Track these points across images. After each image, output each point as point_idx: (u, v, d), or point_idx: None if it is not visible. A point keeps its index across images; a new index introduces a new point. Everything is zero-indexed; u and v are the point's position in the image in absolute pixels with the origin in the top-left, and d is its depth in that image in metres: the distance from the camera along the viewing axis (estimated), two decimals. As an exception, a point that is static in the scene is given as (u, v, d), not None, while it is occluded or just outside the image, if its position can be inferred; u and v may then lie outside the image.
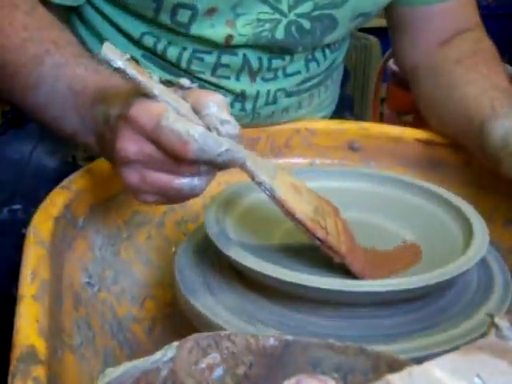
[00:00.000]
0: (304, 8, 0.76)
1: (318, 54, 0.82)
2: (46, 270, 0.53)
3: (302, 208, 0.56)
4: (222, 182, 0.77)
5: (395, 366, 0.42)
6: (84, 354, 0.55)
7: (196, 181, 0.53)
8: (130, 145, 0.53)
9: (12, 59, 0.67)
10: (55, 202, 0.62)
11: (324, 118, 0.91)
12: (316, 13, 0.76)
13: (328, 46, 0.83)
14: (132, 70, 0.51)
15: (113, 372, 0.42)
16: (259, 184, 0.54)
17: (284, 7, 0.75)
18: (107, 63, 0.50)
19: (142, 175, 0.54)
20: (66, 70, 0.64)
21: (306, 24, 0.77)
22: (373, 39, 2.24)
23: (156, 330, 0.66)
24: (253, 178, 0.54)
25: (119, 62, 0.50)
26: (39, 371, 0.43)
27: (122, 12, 0.76)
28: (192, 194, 0.54)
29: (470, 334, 0.52)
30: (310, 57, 0.82)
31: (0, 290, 0.68)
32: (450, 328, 0.53)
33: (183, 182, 0.53)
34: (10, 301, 0.52)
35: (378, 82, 1.83)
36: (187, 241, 0.65)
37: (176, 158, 0.52)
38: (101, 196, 0.68)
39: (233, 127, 0.52)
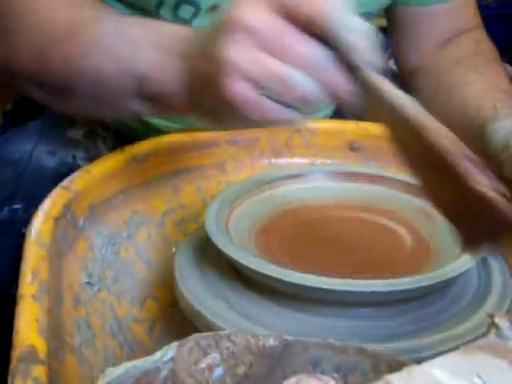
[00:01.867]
0: None
1: None
2: (45, 269, 0.53)
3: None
4: (223, 181, 0.77)
5: (395, 365, 0.42)
6: (84, 354, 0.55)
7: (311, 84, 0.47)
8: (255, 11, 0.47)
9: (54, 29, 0.63)
10: (55, 201, 0.62)
11: (324, 117, 0.91)
12: None
13: None
14: None
15: (113, 372, 0.42)
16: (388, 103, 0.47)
17: None
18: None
19: (255, 54, 0.46)
20: (134, 20, 0.61)
21: None
22: (373, 39, 2.24)
23: (156, 330, 0.66)
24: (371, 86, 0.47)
25: None
26: (39, 371, 0.43)
27: (123, 6, 0.76)
28: (304, 101, 0.48)
29: (470, 334, 0.52)
30: None
31: (0, 289, 0.68)
32: (450, 328, 0.53)
33: (299, 76, 0.46)
34: (9, 300, 0.52)
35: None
36: (187, 241, 0.65)
37: (305, 28, 0.46)
38: (101, 196, 0.68)
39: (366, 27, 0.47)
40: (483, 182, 0.42)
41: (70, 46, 0.61)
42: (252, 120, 0.49)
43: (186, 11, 0.73)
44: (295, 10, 0.46)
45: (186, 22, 0.74)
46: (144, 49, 0.57)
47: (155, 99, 0.58)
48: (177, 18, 0.73)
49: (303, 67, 0.47)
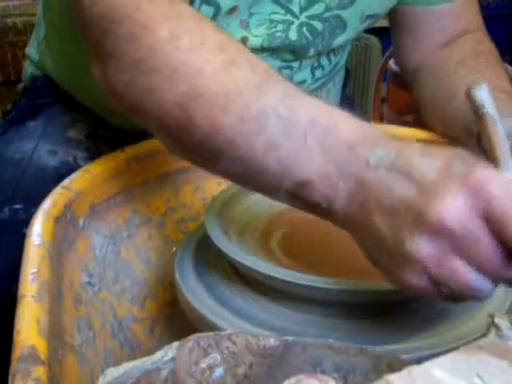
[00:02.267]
0: (315, 9, 0.76)
1: (323, 60, 0.83)
2: (46, 269, 0.53)
3: None
4: (222, 181, 0.77)
5: (395, 365, 0.42)
6: (85, 354, 0.55)
7: (490, 287, 0.44)
8: (454, 211, 0.42)
9: (212, 88, 0.53)
10: (56, 201, 0.62)
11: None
12: (327, 14, 0.77)
13: (333, 50, 0.83)
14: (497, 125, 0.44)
15: (113, 372, 0.42)
16: None
17: (295, 8, 0.75)
18: (476, 104, 0.45)
19: (445, 255, 0.43)
20: (302, 101, 0.51)
21: (318, 25, 0.77)
22: (373, 39, 2.24)
23: (156, 329, 0.66)
24: None
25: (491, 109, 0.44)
26: (40, 371, 0.43)
27: None
28: (481, 297, 0.45)
29: (470, 334, 0.52)
30: (316, 64, 0.82)
31: (0, 289, 0.68)
32: (451, 328, 0.54)
33: (476, 285, 0.43)
34: (10, 301, 0.52)
35: (378, 81, 1.83)
36: (187, 241, 0.65)
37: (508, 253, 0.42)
38: (101, 196, 0.68)
39: None
40: None
41: (221, 111, 0.52)
42: None
43: (205, 13, 0.72)
44: (501, 219, 0.42)
45: None
46: (310, 150, 0.48)
47: (313, 207, 0.50)
48: None
49: (489, 277, 0.44)
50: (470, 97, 0.47)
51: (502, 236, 0.41)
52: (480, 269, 0.43)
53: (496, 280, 0.44)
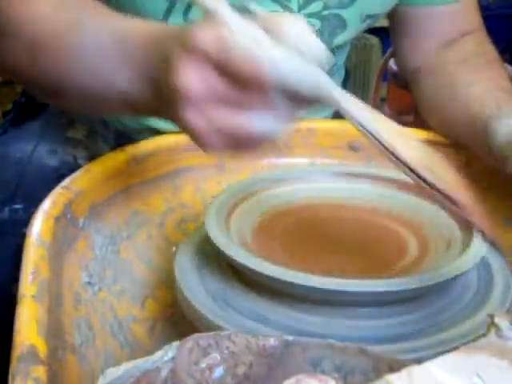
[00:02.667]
0: (314, 7, 0.76)
1: None
2: (46, 269, 0.53)
3: (411, 154, 0.50)
4: (223, 181, 0.77)
5: (395, 366, 0.42)
6: (84, 354, 0.55)
7: (271, 120, 0.46)
8: (193, 78, 0.45)
9: (44, 29, 0.62)
10: (56, 201, 0.62)
11: (324, 118, 0.91)
12: (325, 12, 0.77)
13: (332, 50, 0.83)
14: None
15: (113, 372, 0.42)
16: (358, 125, 0.47)
17: (294, 6, 0.75)
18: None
19: (208, 115, 0.46)
20: (106, 23, 0.60)
21: (317, 23, 0.77)
22: (373, 39, 2.24)
23: (156, 329, 0.66)
24: (349, 118, 0.47)
25: None
26: (40, 371, 0.43)
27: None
28: (266, 136, 0.47)
29: (470, 334, 0.52)
30: None
31: (0, 289, 0.68)
32: (450, 328, 0.54)
33: (255, 119, 0.46)
34: (10, 301, 0.52)
35: (378, 81, 1.83)
36: (187, 241, 0.65)
37: (248, 87, 0.45)
38: (101, 196, 0.68)
39: (321, 51, 0.45)
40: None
41: (58, 49, 0.61)
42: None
43: (197, 13, 0.72)
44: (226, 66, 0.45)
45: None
46: (117, 66, 0.57)
47: (139, 109, 0.61)
48: (187, 21, 0.73)
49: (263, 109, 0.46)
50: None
51: (229, 71, 0.44)
52: (242, 109, 0.46)
53: (256, 108, 0.45)
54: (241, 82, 0.44)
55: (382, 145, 0.48)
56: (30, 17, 0.63)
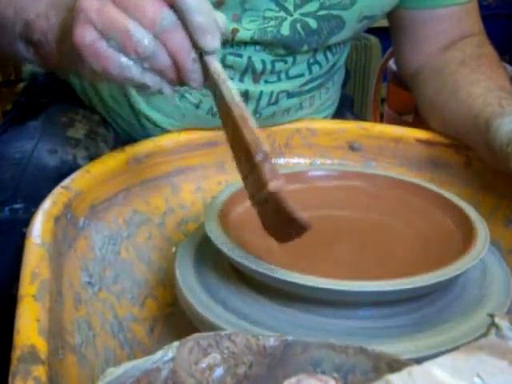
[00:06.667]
0: (309, 7, 0.76)
1: (320, 57, 0.82)
2: (46, 269, 0.54)
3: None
4: (222, 181, 0.77)
5: (395, 365, 0.42)
6: (84, 354, 0.55)
7: (152, 43, 0.51)
8: None
9: None
10: (56, 201, 0.62)
11: (324, 118, 0.91)
12: (323, 12, 0.77)
13: (330, 48, 0.83)
14: None
15: (113, 372, 0.42)
16: (217, 80, 0.52)
17: (290, 6, 0.75)
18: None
19: (105, 6, 0.50)
20: None
21: (313, 23, 0.77)
22: (373, 39, 2.24)
23: (156, 329, 0.66)
24: (211, 72, 0.52)
25: None
26: (40, 371, 0.43)
27: None
28: (127, 72, 0.52)
29: (470, 334, 0.52)
30: (311, 60, 0.82)
31: (0, 289, 0.68)
32: (451, 328, 0.54)
33: (137, 35, 0.50)
34: (10, 301, 0.52)
35: (378, 81, 1.83)
36: (187, 241, 0.65)
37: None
38: (101, 196, 0.68)
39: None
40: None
41: None
42: (93, 69, 0.52)
43: None
44: None
45: None
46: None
47: (36, 46, 0.63)
48: None
49: (149, 27, 0.50)
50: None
51: None
52: (136, 17, 0.50)
53: (151, 27, 0.50)
54: None
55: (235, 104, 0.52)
56: None
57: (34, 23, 0.62)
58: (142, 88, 0.54)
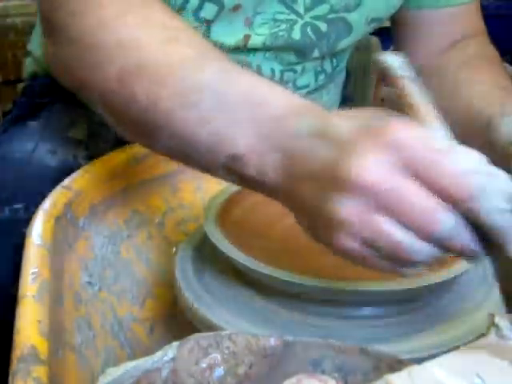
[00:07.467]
0: (320, 10, 0.76)
1: (327, 65, 0.83)
2: (46, 269, 0.53)
3: None
4: (223, 181, 0.77)
5: (396, 366, 0.42)
6: (85, 354, 0.55)
7: (429, 252, 0.41)
8: (377, 168, 0.40)
9: (152, 62, 0.54)
10: (56, 201, 0.62)
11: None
12: (332, 16, 0.77)
13: (336, 55, 0.83)
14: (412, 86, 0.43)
15: (113, 372, 0.42)
16: None
17: (300, 8, 0.75)
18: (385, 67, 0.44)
19: (368, 213, 0.41)
20: (236, 76, 0.52)
21: (323, 26, 0.77)
22: (373, 39, 2.24)
23: (157, 329, 0.66)
24: None
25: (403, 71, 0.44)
26: (40, 371, 0.43)
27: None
28: (417, 259, 0.42)
29: (470, 334, 0.52)
30: (319, 68, 0.82)
31: (0, 289, 0.68)
32: (451, 328, 0.53)
33: (410, 247, 0.41)
34: (10, 301, 0.52)
35: (378, 82, 1.83)
36: (187, 241, 0.65)
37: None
38: (101, 196, 0.68)
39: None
40: None
41: (158, 84, 0.53)
42: None
43: (209, 10, 0.72)
44: (428, 176, 0.40)
45: (207, 22, 0.73)
46: (242, 124, 0.49)
47: (247, 181, 0.51)
48: (198, 20, 0.73)
49: (424, 238, 0.41)
50: (377, 63, 0.46)
51: (431, 184, 0.40)
52: (408, 225, 0.41)
53: (428, 238, 0.41)
54: (428, 185, 0.40)
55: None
56: (137, 42, 0.56)
57: (246, 159, 0.49)
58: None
